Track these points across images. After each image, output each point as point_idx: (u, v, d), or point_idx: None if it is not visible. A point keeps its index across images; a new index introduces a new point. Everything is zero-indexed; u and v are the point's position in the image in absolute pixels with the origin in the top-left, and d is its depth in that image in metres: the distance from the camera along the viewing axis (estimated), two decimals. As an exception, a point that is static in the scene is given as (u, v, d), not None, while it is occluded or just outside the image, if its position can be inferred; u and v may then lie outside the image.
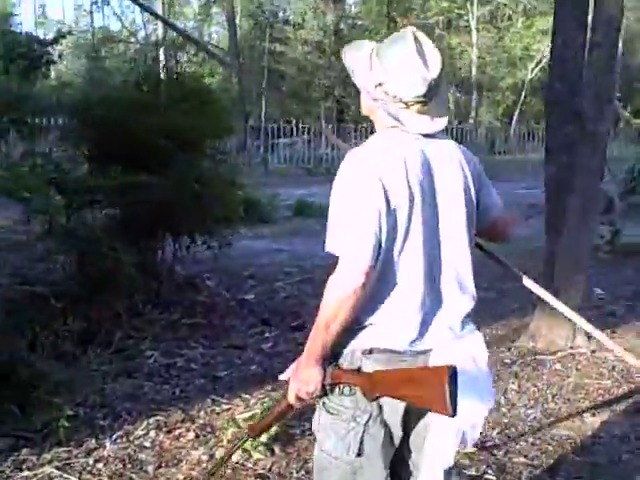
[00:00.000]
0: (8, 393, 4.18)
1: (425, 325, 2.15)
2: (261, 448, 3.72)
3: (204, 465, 3.68)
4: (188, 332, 5.85)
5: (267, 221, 12.08)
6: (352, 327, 2.11)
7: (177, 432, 4.09)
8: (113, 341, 5.33)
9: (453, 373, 1.99)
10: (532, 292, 2.76)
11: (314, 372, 2.10)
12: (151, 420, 4.20)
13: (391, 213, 2.06)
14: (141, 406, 4.43)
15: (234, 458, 3.65)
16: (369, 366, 2.12)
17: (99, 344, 5.24)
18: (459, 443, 2.21)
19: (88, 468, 3.69)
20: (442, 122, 2.23)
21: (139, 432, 4.08)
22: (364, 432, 2.15)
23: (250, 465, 3.66)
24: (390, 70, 2.14)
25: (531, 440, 3.99)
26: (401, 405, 2.16)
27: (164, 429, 4.12)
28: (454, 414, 1.99)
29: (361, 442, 2.15)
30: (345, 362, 2.15)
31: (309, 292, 7.31)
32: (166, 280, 6.47)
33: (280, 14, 34.94)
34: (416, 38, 2.15)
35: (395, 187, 2.07)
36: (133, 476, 3.61)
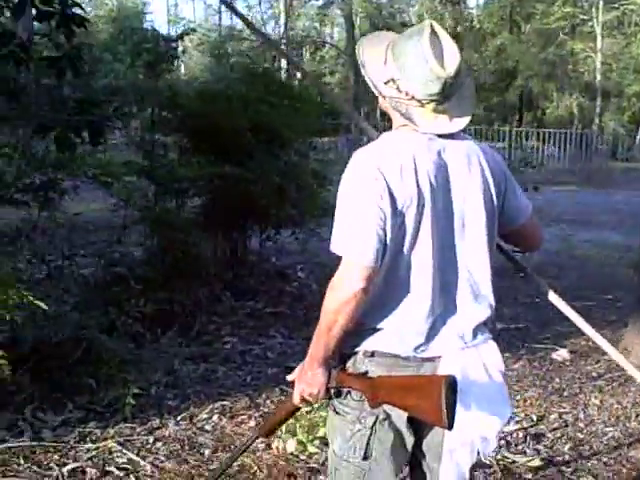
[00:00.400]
0: (86, 368, 4.32)
1: (433, 331, 2.04)
2: (316, 442, 3.67)
3: (259, 454, 3.66)
4: (270, 321, 5.87)
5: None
6: (358, 329, 2.03)
7: (240, 418, 4.11)
8: (194, 326, 5.41)
9: (452, 383, 1.89)
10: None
11: (318, 375, 2.03)
12: (217, 404, 4.23)
13: (398, 214, 1.95)
14: (210, 390, 4.47)
15: (289, 449, 3.64)
16: (372, 369, 2.04)
17: (181, 328, 5.34)
18: (474, 456, 2.09)
19: (147, 446, 3.75)
20: (462, 122, 2.09)
21: (203, 415, 4.12)
22: (371, 435, 2.07)
23: (304, 457, 3.62)
24: (403, 66, 2.02)
25: (605, 460, 3.75)
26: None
27: (228, 414, 4.14)
28: (450, 427, 1.89)
29: (367, 445, 2.07)
30: (350, 364, 2.08)
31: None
32: (255, 269, 6.51)
33: (397, 16, 34.79)
34: (434, 32, 2.01)
35: (402, 187, 1.95)
36: (188, 458, 3.64)
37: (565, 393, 4.51)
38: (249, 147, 5.61)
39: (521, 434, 3.97)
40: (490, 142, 23.08)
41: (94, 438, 3.81)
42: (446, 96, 2.02)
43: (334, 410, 2.12)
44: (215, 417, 4.09)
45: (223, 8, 38.75)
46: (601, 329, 5.77)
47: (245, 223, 6.07)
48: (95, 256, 4.97)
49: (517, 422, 4.13)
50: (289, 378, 2.13)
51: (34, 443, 3.70)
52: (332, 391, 2.06)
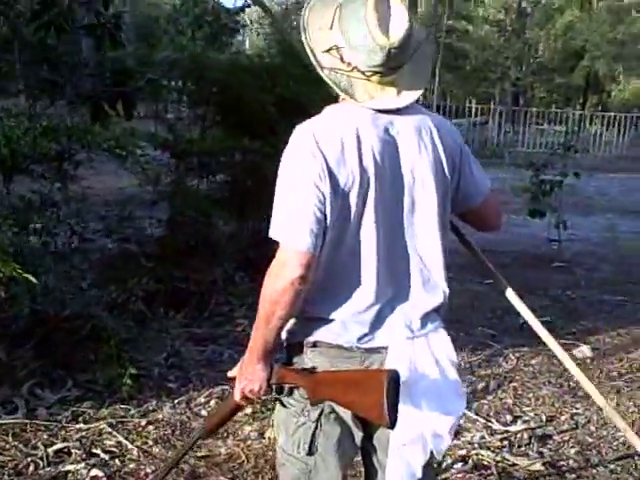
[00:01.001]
0: (90, 346, 4.27)
1: (379, 321, 1.90)
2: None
3: (249, 442, 3.58)
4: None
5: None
6: (302, 319, 1.91)
7: (238, 405, 4.01)
8: (208, 306, 5.33)
9: (394, 379, 1.76)
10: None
11: (258, 370, 1.90)
12: (217, 389, 4.15)
13: (338, 195, 1.80)
14: (213, 373, 4.38)
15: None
16: (315, 361, 1.92)
17: (193, 308, 5.27)
18: (426, 454, 1.95)
19: (139, 429, 3.70)
20: (411, 96, 1.91)
21: (201, 400, 4.05)
22: (316, 429, 1.94)
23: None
24: (347, 33, 1.84)
25: (611, 467, 3.55)
26: None
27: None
28: (393, 425, 1.77)
29: (312, 439, 1.95)
30: (296, 357, 1.96)
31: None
32: (273, 251, 6.39)
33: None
34: None
35: (344, 166, 1.80)
36: (177, 443, 3.57)
37: (580, 393, 4.28)
38: (272, 122, 5.46)
39: (526, 435, 3.79)
40: (550, 125, 22.57)
41: (87, 418, 3.77)
42: (392, 67, 1.85)
43: (280, 403, 2.00)
44: (213, 402, 4.01)
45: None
46: (631, 324, 5.58)
47: (263, 202, 5.95)
48: (107, 231, 4.90)
49: (524, 422, 3.96)
50: (229, 374, 2.01)
51: (26, 421, 3.68)
52: (274, 387, 1.94)
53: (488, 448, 3.63)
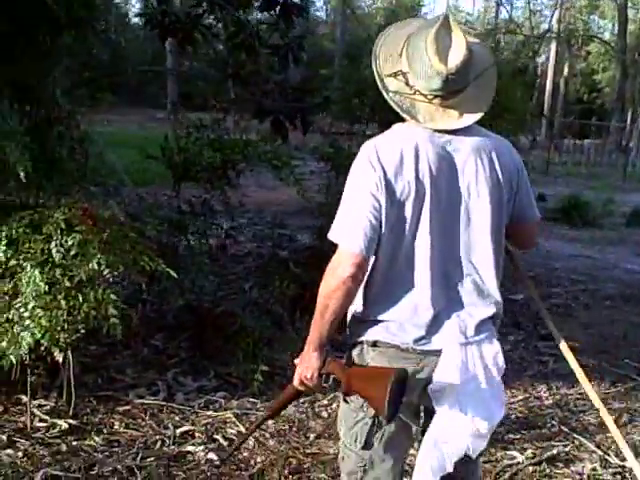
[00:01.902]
0: (237, 342, 4.61)
1: (435, 325, 2.06)
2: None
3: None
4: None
5: (592, 225, 11.39)
6: (363, 320, 2.10)
7: (358, 410, 4.17)
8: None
9: (400, 377, 1.97)
10: None
11: (313, 359, 2.10)
12: (340, 393, 4.32)
13: (395, 204, 1.98)
14: (341, 378, 4.55)
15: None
16: (376, 359, 2.09)
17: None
18: (461, 452, 2.09)
19: (260, 422, 3.95)
20: (472, 118, 2.06)
21: (324, 402, 4.25)
22: (373, 424, 2.13)
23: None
24: (412, 59, 2.02)
25: None
26: (413, 399, 2.13)
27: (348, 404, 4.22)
28: (390, 418, 1.98)
29: (368, 434, 2.14)
30: (356, 354, 2.15)
31: (586, 303, 6.82)
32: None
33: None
34: (444, 26, 1.98)
35: (401, 178, 1.98)
36: (292, 438, 3.80)
37: None
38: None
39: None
40: None
41: (217, 407, 4.10)
42: (452, 91, 2.01)
43: (343, 398, 2.21)
44: (335, 404, 4.20)
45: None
46: None
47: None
48: (260, 237, 5.24)
49: None
50: (295, 362, 2.22)
51: (164, 403, 4.06)
52: (323, 377, 2.14)
53: (597, 480, 3.55)
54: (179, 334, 4.89)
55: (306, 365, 2.12)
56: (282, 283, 4.82)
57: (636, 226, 11.75)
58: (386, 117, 6.08)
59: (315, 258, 5.43)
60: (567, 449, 3.88)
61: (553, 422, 4.21)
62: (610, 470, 3.66)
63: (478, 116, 2.07)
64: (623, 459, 3.78)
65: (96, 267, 3.33)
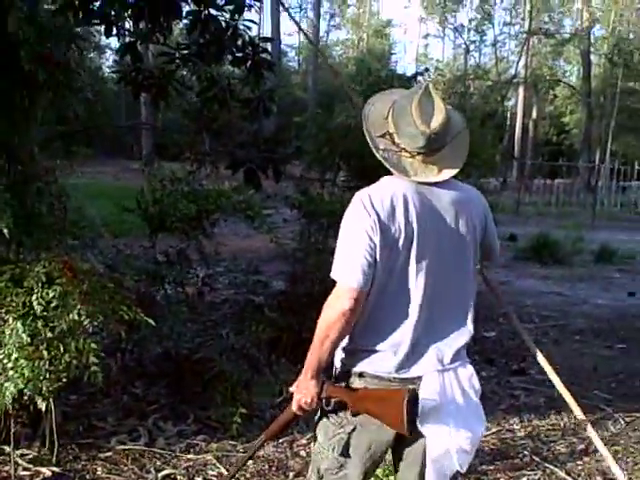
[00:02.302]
0: (215, 387, 4.72)
1: (414, 355, 2.30)
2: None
3: None
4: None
5: (562, 263, 11.64)
6: (354, 350, 2.33)
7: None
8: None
9: (413, 396, 2.21)
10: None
11: (311, 385, 2.32)
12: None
13: (387, 245, 2.22)
14: (320, 419, 4.68)
15: None
16: (363, 386, 2.33)
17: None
18: (454, 467, 2.33)
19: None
20: (449, 173, 2.36)
21: (303, 441, 4.36)
22: (348, 439, 2.37)
23: None
24: (397, 121, 2.30)
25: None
26: (386, 430, 2.33)
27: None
28: (410, 432, 2.21)
29: (345, 447, 2.38)
30: (345, 380, 2.37)
31: (555, 338, 7.02)
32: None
33: (637, 54, 33.10)
34: (426, 93, 2.28)
35: (393, 223, 2.23)
36: (273, 478, 3.91)
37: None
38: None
39: (612, 498, 3.80)
40: None
41: (198, 450, 4.20)
42: (433, 149, 2.30)
43: (322, 412, 2.43)
44: (312, 445, 4.30)
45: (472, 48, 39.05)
46: None
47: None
48: (235, 285, 5.39)
49: (615, 485, 3.95)
50: (291, 389, 2.43)
51: (145, 448, 4.15)
52: (323, 401, 2.35)
53: (567, 507, 3.69)
54: (158, 381, 4.99)
55: (304, 391, 2.34)
56: (258, 328, 4.96)
57: (605, 262, 12.04)
58: (355, 165, 6.36)
59: (289, 302, 5.61)
60: (538, 477, 4.03)
61: (525, 452, 4.36)
62: (579, 496, 3.80)
63: (454, 172, 2.37)
64: (591, 485, 3.94)
65: (76, 317, 3.46)
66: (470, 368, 2.41)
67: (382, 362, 2.31)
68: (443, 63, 45.51)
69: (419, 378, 2.32)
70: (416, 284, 2.28)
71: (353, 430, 2.38)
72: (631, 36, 34.87)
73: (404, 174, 2.31)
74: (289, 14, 35.09)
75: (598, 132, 32.11)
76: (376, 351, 2.31)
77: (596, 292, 9.64)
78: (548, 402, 5.24)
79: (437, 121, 2.26)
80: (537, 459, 4.26)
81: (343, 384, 2.37)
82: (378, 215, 2.23)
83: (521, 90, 35.32)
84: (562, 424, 4.85)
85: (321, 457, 2.48)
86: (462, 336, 2.39)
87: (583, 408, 4.98)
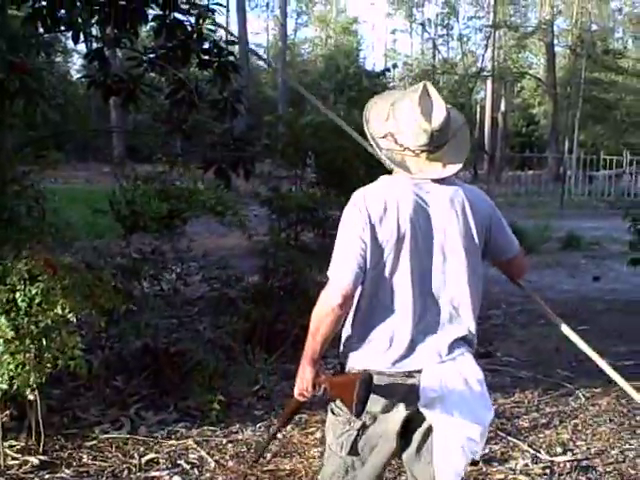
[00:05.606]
0: (194, 377, 4.91)
1: (411, 350, 2.42)
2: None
3: (311, 461, 4.06)
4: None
5: (531, 251, 11.92)
6: (352, 346, 2.47)
7: (310, 430, 4.52)
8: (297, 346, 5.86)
9: (365, 381, 2.34)
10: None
11: (307, 373, 2.47)
12: (296, 417, 4.65)
13: (379, 245, 2.36)
14: (296, 404, 4.89)
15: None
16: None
17: (291, 347, 5.82)
18: (464, 457, 2.43)
19: (220, 447, 4.28)
20: (453, 168, 2.46)
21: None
22: (357, 436, 2.50)
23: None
24: (399, 122, 2.43)
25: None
26: (395, 421, 2.47)
27: (301, 426, 4.57)
28: (357, 414, 2.36)
29: (353, 444, 2.50)
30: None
31: (522, 322, 7.31)
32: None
33: (599, 44, 33.62)
34: (425, 92, 2.41)
35: (384, 223, 2.36)
36: (250, 459, 4.10)
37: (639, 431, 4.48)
38: (361, 183, 6.00)
39: (570, 465, 4.05)
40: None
41: (178, 436, 4.40)
42: (436, 146, 2.41)
43: (331, 411, 2.57)
44: (289, 427, 4.52)
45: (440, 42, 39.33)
46: None
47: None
48: (210, 280, 5.58)
49: (573, 454, 4.21)
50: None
51: (128, 436, 4.34)
52: (317, 387, 2.50)
53: (528, 475, 3.94)
54: (139, 374, 5.16)
55: (302, 378, 2.48)
56: (232, 320, 5.16)
57: (572, 249, 12.37)
58: (322, 162, 6.55)
59: (262, 295, 5.81)
60: (502, 450, 4.27)
61: (490, 428, 4.58)
62: (540, 465, 4.06)
63: (459, 166, 2.48)
64: (553, 455, 4.19)
65: (60, 312, 3.64)
66: (470, 358, 2.48)
67: (380, 358, 2.41)
68: (411, 58, 45.73)
69: (419, 371, 2.41)
70: (409, 282, 2.38)
71: (362, 427, 2.48)
72: (594, 27, 35.39)
73: (409, 172, 2.41)
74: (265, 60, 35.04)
75: (566, 123, 32.56)
76: (374, 348, 2.42)
77: (562, 278, 9.96)
78: (513, 382, 5.50)
79: (438, 118, 2.36)
80: (502, 434, 4.49)
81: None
82: (369, 215, 2.34)
83: (489, 83, 35.66)
84: (526, 401, 5.10)
85: (329, 460, 2.61)
86: (459, 329, 2.46)
87: (546, 385, 5.38)
